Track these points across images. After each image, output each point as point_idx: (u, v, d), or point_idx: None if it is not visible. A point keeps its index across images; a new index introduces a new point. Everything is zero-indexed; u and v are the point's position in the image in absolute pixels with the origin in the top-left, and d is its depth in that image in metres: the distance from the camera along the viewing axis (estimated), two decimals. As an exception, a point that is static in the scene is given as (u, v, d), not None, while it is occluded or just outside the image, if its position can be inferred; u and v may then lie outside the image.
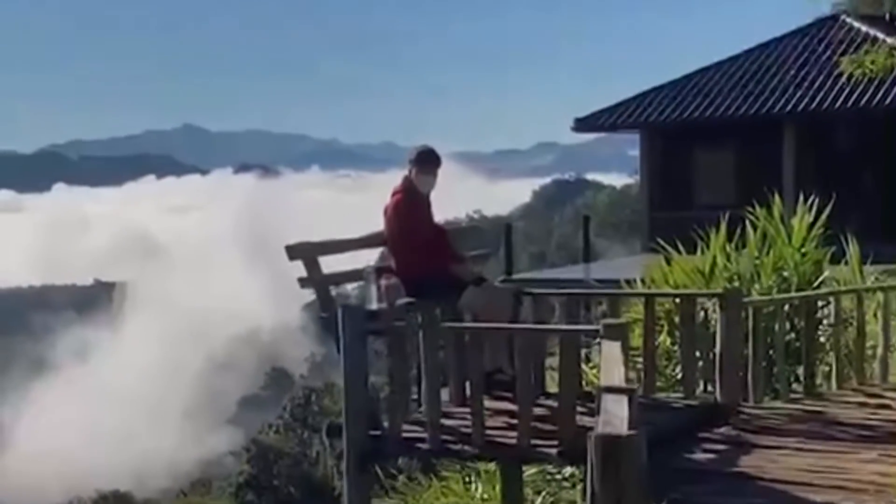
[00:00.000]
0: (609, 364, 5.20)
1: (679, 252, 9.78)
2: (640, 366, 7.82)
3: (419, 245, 7.26)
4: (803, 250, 9.59)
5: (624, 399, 4.38)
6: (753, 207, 9.75)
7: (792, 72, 23.06)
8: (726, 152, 22.98)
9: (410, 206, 7.32)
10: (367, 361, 6.61)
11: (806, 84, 22.39)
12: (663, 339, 8.72)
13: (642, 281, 9.61)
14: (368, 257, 7.38)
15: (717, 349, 7.57)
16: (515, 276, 20.20)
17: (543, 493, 8.36)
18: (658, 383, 7.98)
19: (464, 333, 6.75)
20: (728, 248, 9.60)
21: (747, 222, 9.74)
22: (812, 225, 9.64)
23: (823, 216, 9.76)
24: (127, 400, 65.55)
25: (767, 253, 9.58)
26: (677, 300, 8.26)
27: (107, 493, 40.98)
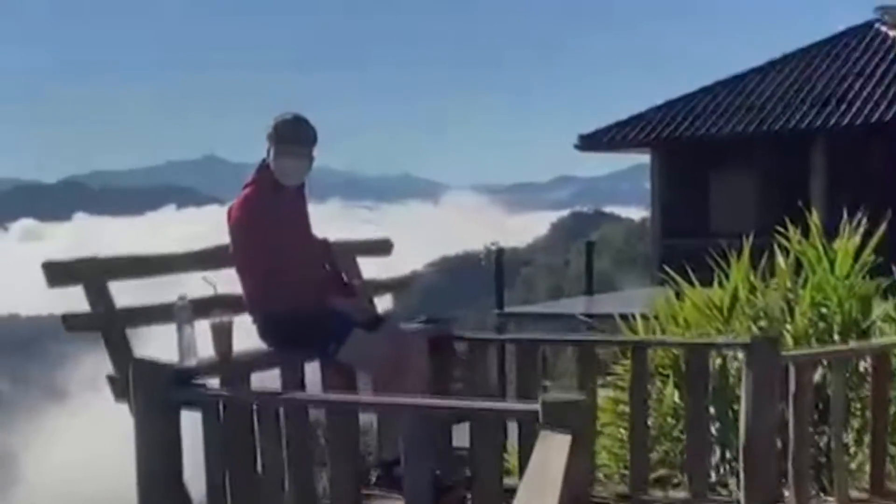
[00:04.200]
0: (532, 493, 2.71)
1: (692, 284, 7.42)
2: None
3: (279, 264, 4.73)
4: (849, 282, 7.21)
5: None
6: (780, 232, 7.45)
7: (820, 84, 20.62)
8: (746, 173, 20.41)
9: (265, 206, 4.78)
10: (178, 453, 4.13)
11: (837, 97, 19.89)
12: (669, 393, 6.39)
13: (643, 317, 7.23)
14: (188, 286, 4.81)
15: (742, 427, 5.08)
16: (507, 310, 18.03)
17: None
18: (659, 451, 5.67)
19: (338, 405, 4.26)
20: (752, 279, 7.27)
21: (776, 247, 7.43)
22: (859, 251, 7.29)
23: (873, 240, 7.40)
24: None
25: (803, 285, 7.23)
26: (676, 351, 5.84)
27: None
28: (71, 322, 4.27)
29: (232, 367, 4.38)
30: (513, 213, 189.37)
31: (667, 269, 8.03)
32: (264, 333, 4.77)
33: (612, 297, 20.66)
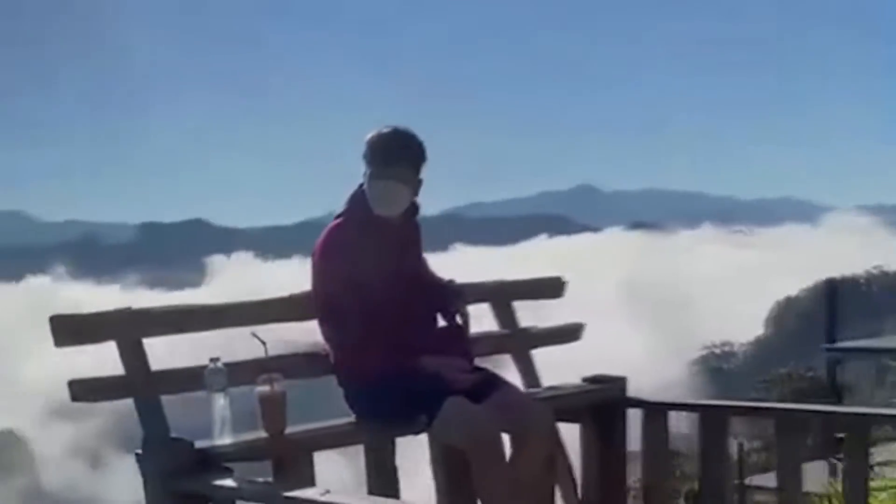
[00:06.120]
0: None
1: None
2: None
3: (365, 314, 3.74)
4: None
5: None
6: None
7: None
8: None
9: (352, 241, 3.81)
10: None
11: None
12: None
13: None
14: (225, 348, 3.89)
15: None
16: (837, 345, 16.41)
17: None
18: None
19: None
20: None
21: None
22: None
23: None
24: None
25: None
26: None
27: None
28: (79, 390, 3.47)
29: (283, 446, 3.50)
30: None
31: None
32: (348, 400, 3.87)
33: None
